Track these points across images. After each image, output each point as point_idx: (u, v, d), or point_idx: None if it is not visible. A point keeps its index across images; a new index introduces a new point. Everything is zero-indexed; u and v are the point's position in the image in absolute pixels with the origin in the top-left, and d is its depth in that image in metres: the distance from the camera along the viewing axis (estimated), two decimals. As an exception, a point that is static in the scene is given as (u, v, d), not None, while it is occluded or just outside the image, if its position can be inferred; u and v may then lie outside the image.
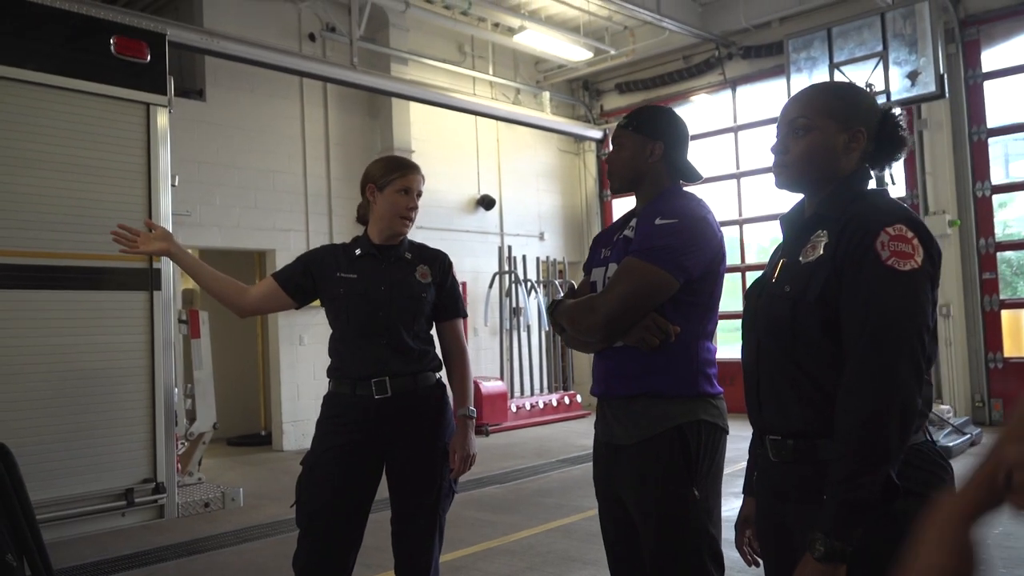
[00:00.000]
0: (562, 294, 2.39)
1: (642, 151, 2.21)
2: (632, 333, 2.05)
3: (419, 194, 2.74)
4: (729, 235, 10.29)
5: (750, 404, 1.72)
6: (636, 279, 2.01)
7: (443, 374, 2.77)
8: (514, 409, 9.76)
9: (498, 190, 10.76)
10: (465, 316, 2.85)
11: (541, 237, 11.21)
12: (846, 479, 1.41)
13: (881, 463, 1.39)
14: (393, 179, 2.68)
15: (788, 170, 1.66)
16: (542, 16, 9.97)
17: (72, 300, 3.59)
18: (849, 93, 1.68)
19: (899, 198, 8.94)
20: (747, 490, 1.86)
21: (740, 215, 10.38)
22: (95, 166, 3.68)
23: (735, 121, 10.50)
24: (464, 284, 9.92)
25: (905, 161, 8.94)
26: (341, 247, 2.78)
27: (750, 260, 10.29)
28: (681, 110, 11.15)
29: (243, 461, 7.73)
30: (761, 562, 1.79)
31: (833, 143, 1.61)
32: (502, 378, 10.09)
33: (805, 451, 1.56)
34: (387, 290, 2.63)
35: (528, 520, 5.30)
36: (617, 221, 2.35)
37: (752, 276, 10.23)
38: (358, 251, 2.71)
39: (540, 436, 8.97)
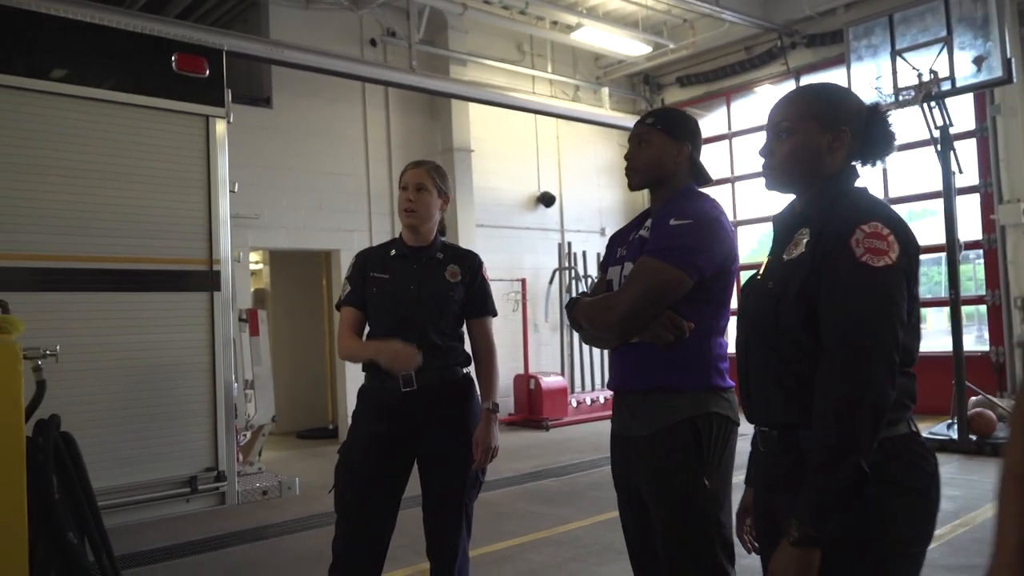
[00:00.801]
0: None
1: (669, 151, 2.27)
2: (648, 330, 2.12)
3: (419, 187, 2.82)
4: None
5: (742, 396, 1.78)
6: (651, 278, 2.08)
7: (471, 370, 2.89)
8: (574, 404, 9.83)
9: (558, 187, 10.84)
10: (495, 314, 2.96)
11: (602, 232, 11.22)
12: (820, 468, 1.47)
13: (852, 452, 1.44)
14: (400, 178, 2.82)
15: (775, 172, 1.72)
16: (600, 12, 9.98)
17: (139, 301, 3.87)
18: (831, 94, 1.72)
19: (971, 186, 8.71)
20: (748, 480, 1.92)
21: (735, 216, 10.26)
22: (159, 176, 3.95)
23: (799, 112, 10.30)
24: (524, 280, 10.07)
25: (978, 148, 8.64)
26: (377, 248, 2.93)
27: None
28: (744, 102, 11.02)
29: (308, 453, 8.05)
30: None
31: (816, 144, 1.66)
32: (562, 374, 10.18)
33: (789, 441, 1.62)
34: (415, 289, 2.76)
35: (578, 512, 5.38)
36: (633, 220, 2.41)
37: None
38: (392, 252, 2.85)
39: (598, 431, 9.02)
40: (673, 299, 2.09)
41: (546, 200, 10.63)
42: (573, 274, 10.43)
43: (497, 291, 9.90)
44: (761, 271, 1.73)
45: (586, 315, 2.25)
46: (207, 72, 4.06)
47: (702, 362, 2.15)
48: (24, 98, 3.57)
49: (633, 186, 2.35)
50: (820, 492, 1.46)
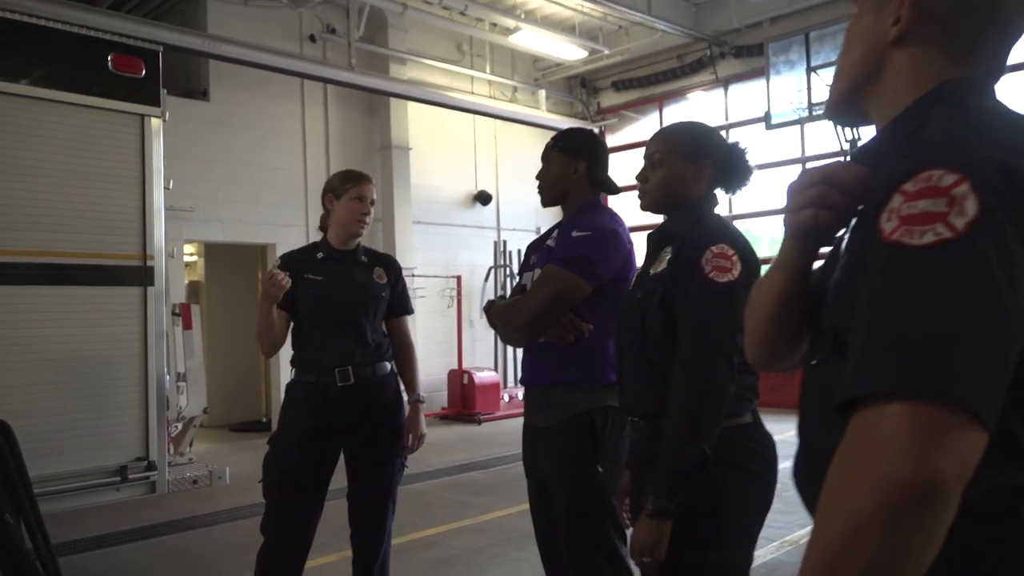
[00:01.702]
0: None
1: (567, 168, 2.53)
2: (551, 331, 2.38)
3: (372, 202, 3.03)
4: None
5: (618, 391, 2.04)
6: (554, 284, 2.34)
7: (395, 364, 3.11)
8: (506, 399, 10.08)
9: (495, 186, 11.07)
10: (412, 313, 3.19)
11: (537, 231, 11.48)
12: (670, 451, 1.74)
13: (696, 438, 1.72)
14: (348, 188, 3.00)
15: (648, 196, 1.98)
16: (538, 16, 10.23)
17: (73, 295, 3.97)
18: (696, 131, 2.00)
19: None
20: (627, 464, 2.18)
21: (731, 211, 10.63)
22: (94, 173, 4.05)
23: (727, 119, 10.74)
24: (459, 277, 10.27)
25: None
26: (302, 251, 3.11)
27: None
28: (678, 107, 11.42)
29: (240, 446, 8.11)
30: None
31: (682, 174, 1.93)
32: (496, 369, 10.42)
33: (653, 429, 1.88)
34: (350, 290, 2.96)
35: (502, 502, 5.63)
36: (546, 231, 2.67)
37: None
38: (320, 255, 3.03)
39: (530, 424, 9.31)
40: (574, 303, 2.35)
41: (483, 199, 10.85)
42: (508, 272, 10.67)
43: (433, 287, 10.17)
44: (632, 283, 2.00)
45: (499, 317, 2.50)
46: (143, 72, 4.17)
47: (600, 360, 2.40)
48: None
49: (544, 203, 2.61)
50: (670, 471, 1.73)
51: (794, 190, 0.97)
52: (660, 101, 11.46)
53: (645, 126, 11.56)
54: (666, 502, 1.72)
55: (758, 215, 10.24)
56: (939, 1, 0.92)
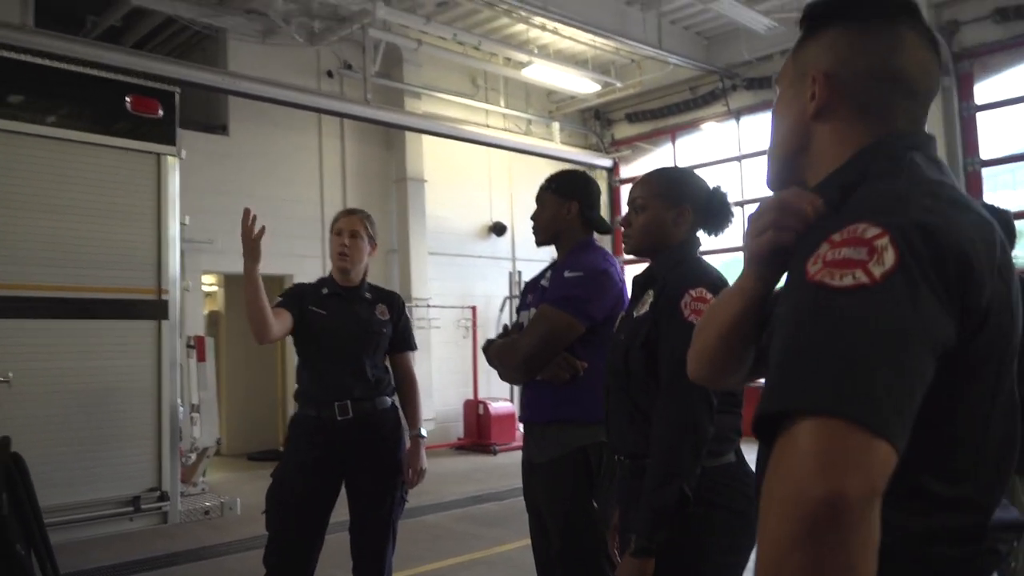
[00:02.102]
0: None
1: (560, 210, 2.61)
2: (546, 370, 2.44)
3: (353, 234, 3.05)
4: (733, 261, 10.59)
5: (605, 429, 2.09)
6: (548, 324, 2.41)
7: (396, 399, 3.16)
8: (521, 430, 10.06)
9: (510, 216, 11.16)
10: (415, 349, 3.26)
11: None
12: (650, 490, 1.77)
13: (675, 477, 1.75)
14: (333, 224, 3.09)
15: (631, 240, 2.05)
16: (551, 51, 10.38)
17: (89, 328, 4.09)
18: (676, 176, 2.06)
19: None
20: (617, 501, 2.22)
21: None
22: (112, 210, 4.19)
23: (739, 150, 10.80)
24: (475, 308, 10.34)
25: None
26: (311, 286, 3.19)
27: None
28: (690, 139, 11.49)
29: (256, 475, 8.16)
30: None
31: (663, 218, 1.99)
32: (511, 400, 10.43)
33: (638, 467, 1.92)
34: (352, 326, 3.03)
35: (513, 534, 5.62)
36: (543, 270, 2.74)
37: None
38: (325, 290, 3.11)
39: (544, 455, 9.29)
40: (567, 342, 2.41)
41: (497, 230, 10.95)
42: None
43: (448, 318, 10.24)
44: (617, 325, 2.06)
45: (497, 355, 2.57)
46: (160, 113, 4.31)
47: (594, 397, 2.43)
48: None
49: (538, 243, 2.69)
50: (650, 510, 1.76)
51: (754, 218, 1.03)
52: (673, 133, 11.55)
53: (659, 157, 11.64)
54: (647, 541, 1.75)
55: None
56: (847, 76, 1.01)
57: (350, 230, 3.06)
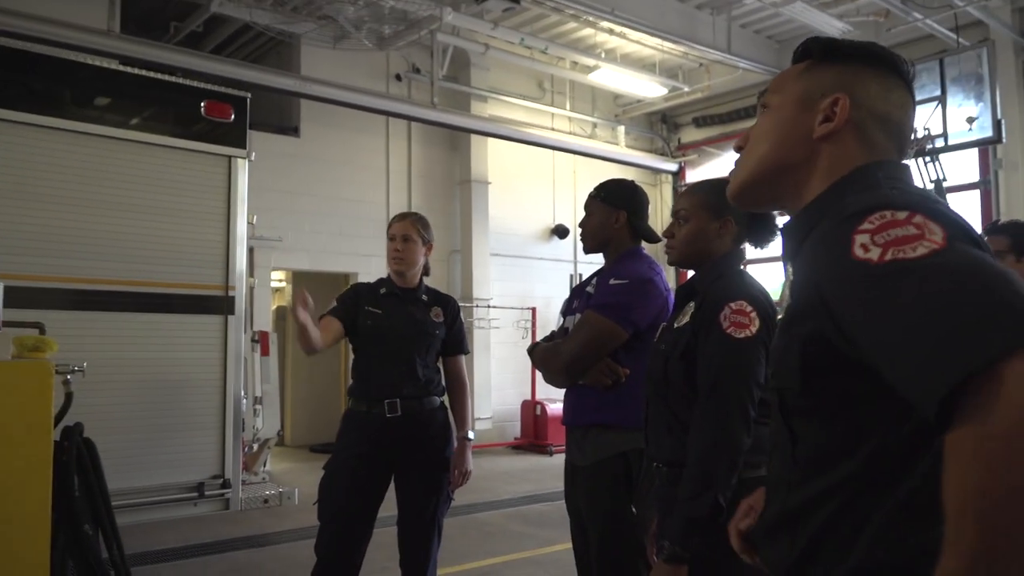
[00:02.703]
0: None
1: (608, 218, 2.64)
2: (589, 374, 2.48)
3: (405, 238, 3.15)
4: (774, 270, 10.35)
5: (644, 437, 2.12)
6: (592, 330, 2.45)
7: (445, 399, 3.25)
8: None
9: (573, 219, 11.17)
10: (467, 353, 3.33)
11: (614, 265, 11.55)
12: (685, 499, 1.80)
13: (710, 488, 1.77)
14: (389, 227, 3.19)
15: (674, 251, 2.07)
16: (618, 55, 10.36)
17: (160, 321, 4.32)
18: (721, 189, 2.06)
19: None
20: (656, 508, 2.25)
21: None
22: (184, 209, 4.42)
23: (809, 156, 10.55)
24: (534, 309, 10.40)
25: (981, 200, 8.85)
26: (369, 286, 3.29)
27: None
28: (759, 143, 11.29)
29: (316, 467, 8.39)
30: None
31: (706, 230, 2.01)
32: (568, 401, 10.44)
33: (675, 476, 1.95)
34: (406, 326, 3.13)
35: (564, 536, 5.54)
36: (589, 276, 2.78)
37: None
38: (383, 290, 3.21)
39: (599, 459, 9.28)
40: (610, 348, 2.45)
41: (560, 232, 10.99)
42: (583, 305, 10.71)
43: (508, 318, 10.32)
44: (658, 335, 2.09)
45: (541, 359, 2.63)
46: (232, 117, 4.52)
47: (636, 403, 2.46)
48: (72, 140, 4.06)
49: (586, 250, 2.73)
50: (684, 518, 1.79)
51: None
52: (741, 137, 11.37)
53: (726, 162, 11.47)
54: (680, 548, 1.78)
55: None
56: (862, 112, 1.10)
57: (403, 235, 3.16)
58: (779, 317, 1.08)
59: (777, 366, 1.06)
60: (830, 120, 1.09)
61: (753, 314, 1.86)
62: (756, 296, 1.91)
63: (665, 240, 2.11)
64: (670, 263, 2.13)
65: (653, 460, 2.07)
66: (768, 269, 9.81)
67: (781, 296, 1.06)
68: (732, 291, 1.91)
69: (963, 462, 0.71)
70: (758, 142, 1.17)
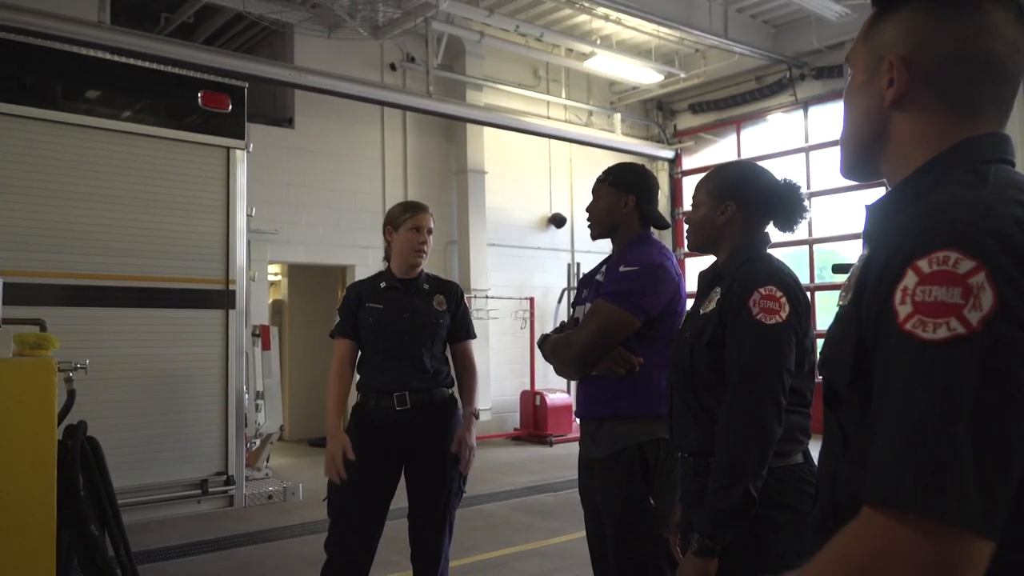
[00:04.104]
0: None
1: (616, 203, 2.58)
2: (601, 364, 2.42)
3: (430, 231, 3.12)
4: (799, 254, 10.36)
5: (668, 427, 2.07)
6: (603, 319, 2.39)
7: (455, 390, 3.19)
8: (578, 421, 10.06)
9: (570, 208, 11.12)
10: (474, 337, 3.27)
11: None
12: (715, 490, 1.75)
13: (741, 479, 1.72)
14: (406, 219, 3.11)
15: (689, 237, 2.03)
16: (613, 42, 10.28)
17: (159, 317, 4.25)
18: (727, 173, 2.03)
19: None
20: (680, 499, 2.20)
21: (810, 235, 10.40)
22: (182, 202, 4.34)
23: (806, 141, 10.53)
24: (532, 299, 10.35)
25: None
26: (367, 281, 3.23)
27: (824, 279, 10.29)
28: (756, 129, 11.26)
29: (317, 461, 8.35)
30: None
31: (711, 216, 1.97)
32: (568, 391, 10.42)
33: (701, 466, 1.90)
34: (409, 318, 3.07)
35: (569, 526, 5.63)
36: (598, 264, 2.72)
37: (824, 295, 10.26)
38: (383, 284, 3.15)
39: (601, 448, 9.26)
40: (622, 337, 2.39)
41: (557, 221, 10.93)
42: (581, 294, 10.67)
43: (506, 309, 10.28)
44: (683, 322, 2.03)
45: (551, 351, 2.57)
46: (229, 107, 4.43)
47: (651, 392, 2.42)
48: (63, 131, 3.96)
49: (593, 236, 2.66)
50: (715, 510, 1.74)
51: None
52: (738, 123, 11.32)
53: (723, 148, 11.45)
54: (710, 541, 1.74)
55: (839, 239, 10.00)
56: (928, 61, 0.91)
57: (429, 227, 3.11)
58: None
59: (828, 355, 0.97)
60: (893, 84, 0.93)
61: (783, 299, 1.80)
62: (786, 281, 1.85)
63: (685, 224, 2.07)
64: (689, 248, 2.09)
65: (679, 450, 2.02)
66: (791, 254, 9.78)
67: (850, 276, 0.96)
68: (761, 276, 1.85)
69: (855, 536, 0.75)
70: (845, 115, 1.04)
